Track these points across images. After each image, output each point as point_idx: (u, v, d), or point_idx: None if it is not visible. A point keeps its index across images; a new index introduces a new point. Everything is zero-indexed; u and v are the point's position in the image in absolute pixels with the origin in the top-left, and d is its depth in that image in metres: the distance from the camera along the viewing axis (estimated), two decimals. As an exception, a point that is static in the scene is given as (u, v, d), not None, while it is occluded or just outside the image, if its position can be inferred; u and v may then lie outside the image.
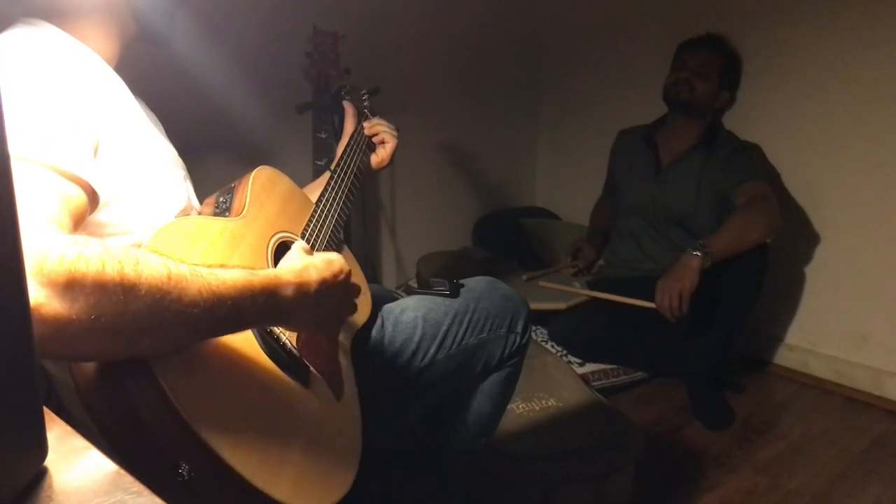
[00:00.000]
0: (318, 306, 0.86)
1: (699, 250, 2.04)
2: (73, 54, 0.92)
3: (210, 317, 0.70)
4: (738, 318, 2.20)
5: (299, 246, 0.92)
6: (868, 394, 2.34)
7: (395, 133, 1.48)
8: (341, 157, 1.37)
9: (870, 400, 2.32)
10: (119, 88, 0.97)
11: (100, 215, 0.85)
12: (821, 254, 2.43)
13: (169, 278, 0.67)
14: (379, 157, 1.46)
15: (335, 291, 0.88)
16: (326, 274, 0.87)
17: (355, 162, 1.37)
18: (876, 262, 2.30)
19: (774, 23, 2.42)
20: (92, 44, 0.97)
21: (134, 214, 0.91)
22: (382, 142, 1.46)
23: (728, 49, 2.43)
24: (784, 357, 2.55)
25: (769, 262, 2.17)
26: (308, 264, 0.86)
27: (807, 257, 2.46)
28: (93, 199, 0.81)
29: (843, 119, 2.31)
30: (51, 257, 0.61)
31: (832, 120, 2.34)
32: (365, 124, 1.45)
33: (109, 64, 0.99)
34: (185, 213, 1.01)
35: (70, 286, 0.60)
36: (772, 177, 2.38)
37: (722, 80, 2.38)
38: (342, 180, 1.31)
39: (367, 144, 1.45)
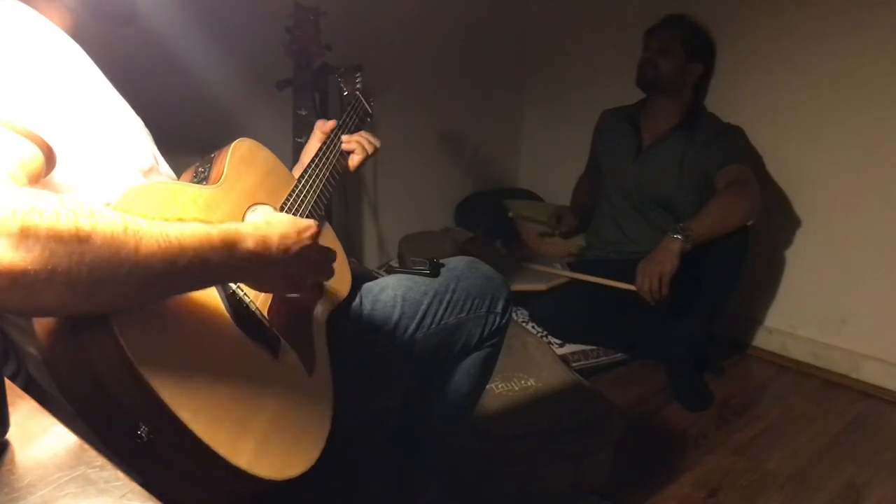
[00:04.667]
0: (281, 263, 0.85)
1: (680, 233, 2.04)
2: (26, 20, 0.91)
3: (171, 269, 0.70)
4: (718, 301, 2.21)
5: (266, 208, 0.92)
6: (845, 376, 2.36)
7: (370, 148, 1.39)
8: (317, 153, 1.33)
9: (847, 382, 2.35)
10: (74, 51, 0.96)
11: (59, 175, 0.83)
12: (801, 237, 2.44)
13: (125, 230, 0.66)
14: (343, 164, 1.37)
15: (300, 248, 0.87)
16: (289, 230, 0.86)
17: (336, 152, 1.34)
18: (856, 247, 2.31)
19: (757, 6, 2.41)
20: (46, 14, 0.95)
21: (94, 172, 0.89)
22: (352, 151, 1.38)
23: (688, 23, 2.43)
24: (763, 340, 2.57)
25: (750, 246, 2.18)
26: (270, 220, 0.86)
27: (787, 241, 2.47)
28: (49, 157, 0.80)
29: (824, 104, 2.32)
30: (2, 210, 0.60)
31: (813, 104, 2.34)
32: (344, 138, 1.38)
33: (67, 32, 0.97)
34: (152, 173, 0.99)
35: (24, 236, 0.60)
36: (753, 160, 2.38)
37: (688, 53, 2.38)
38: (326, 159, 1.30)
39: (342, 153, 1.37)
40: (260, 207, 1.05)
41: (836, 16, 2.24)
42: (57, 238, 0.61)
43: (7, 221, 0.60)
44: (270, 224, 0.85)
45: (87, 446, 0.56)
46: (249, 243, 0.79)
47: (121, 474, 0.53)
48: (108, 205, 0.78)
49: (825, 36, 2.28)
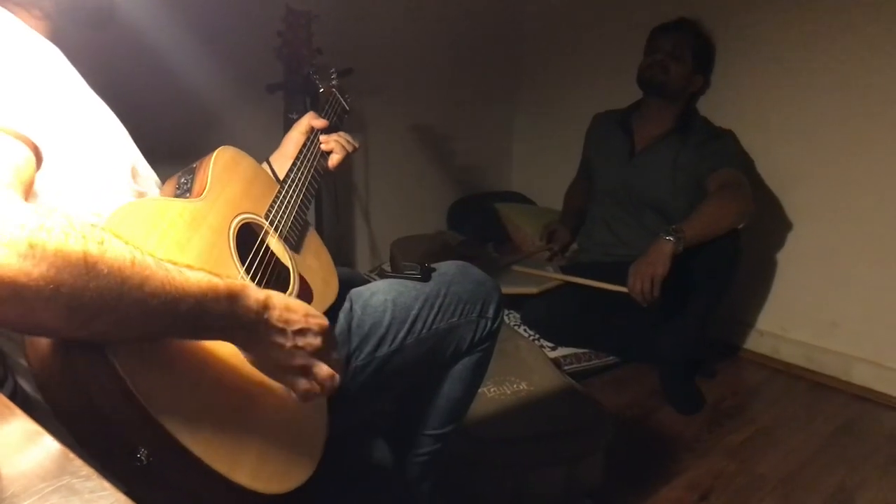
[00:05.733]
0: (279, 336, 0.82)
1: (672, 235, 2.05)
2: (2, 21, 0.90)
3: (170, 311, 0.69)
4: (710, 304, 2.21)
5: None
6: (837, 379, 2.37)
7: (349, 147, 1.42)
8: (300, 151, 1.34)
9: (838, 385, 2.35)
10: (52, 54, 0.95)
11: (41, 178, 0.82)
12: (792, 240, 2.45)
13: (133, 264, 0.66)
14: (323, 165, 1.39)
15: (303, 331, 0.85)
16: (297, 307, 0.85)
17: (316, 153, 1.35)
18: (847, 250, 2.32)
19: (749, 11, 2.42)
20: (23, 18, 0.95)
21: (73, 177, 0.88)
22: (331, 150, 1.40)
23: (700, 32, 2.43)
24: (755, 343, 2.58)
25: (741, 248, 2.18)
26: (281, 294, 0.84)
27: (779, 244, 2.48)
28: (38, 158, 0.79)
29: (815, 107, 2.32)
30: (10, 224, 0.60)
31: (805, 108, 2.35)
32: (322, 138, 1.39)
33: (45, 36, 0.97)
34: (133, 177, 0.98)
35: (32, 251, 0.59)
36: (745, 163, 2.39)
37: (695, 63, 2.38)
38: (307, 161, 1.30)
39: (322, 154, 1.39)
40: (254, 224, 1.05)
41: (828, 19, 2.25)
42: (65, 258, 0.61)
43: (15, 235, 0.59)
44: (280, 295, 0.84)
45: (72, 455, 0.56)
46: (251, 300, 0.78)
47: (107, 484, 0.52)
48: (94, 225, 0.77)
49: (816, 39, 2.29)
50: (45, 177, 0.82)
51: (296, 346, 0.85)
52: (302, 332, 0.85)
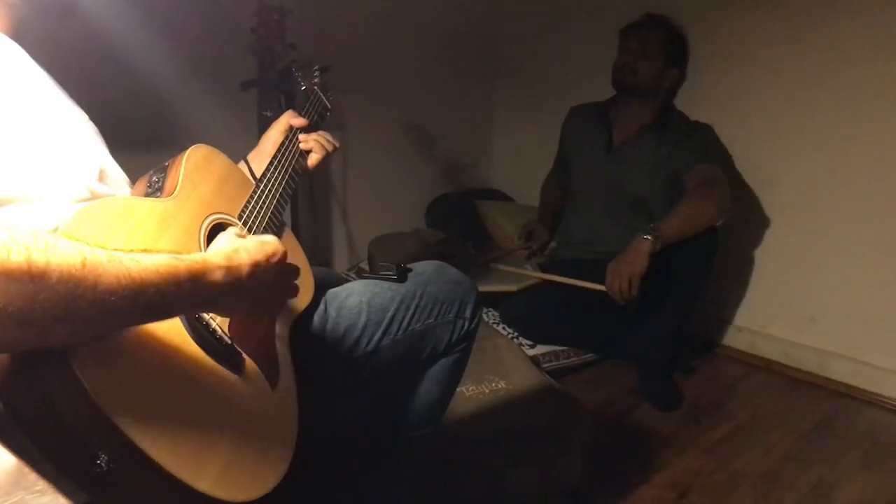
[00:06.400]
0: (251, 291, 0.82)
1: (650, 234, 2.05)
2: None
3: (130, 305, 0.66)
4: (688, 301, 2.21)
5: (231, 230, 0.88)
6: (814, 375, 2.38)
7: (329, 147, 1.40)
8: (279, 148, 1.32)
9: (816, 381, 2.36)
10: (13, 54, 0.92)
11: (3, 187, 0.80)
12: (770, 237, 2.46)
13: (83, 265, 0.63)
14: (301, 165, 1.38)
15: (270, 274, 0.85)
16: (259, 256, 0.83)
17: (295, 153, 1.32)
18: (824, 246, 2.33)
19: (726, 5, 2.42)
20: None
21: (36, 183, 0.85)
22: (310, 150, 1.39)
23: (669, 25, 2.42)
24: (733, 339, 2.59)
25: (718, 245, 2.18)
26: (238, 247, 0.82)
27: (756, 240, 2.48)
28: None
29: (792, 103, 2.33)
30: None
31: (782, 104, 2.35)
32: (301, 137, 1.37)
33: (6, 33, 0.94)
34: (101, 179, 0.96)
35: None
36: (724, 158, 2.38)
37: (667, 58, 2.37)
38: (284, 161, 1.28)
39: (301, 153, 1.37)
40: (226, 225, 1.03)
41: (805, 16, 2.25)
42: (7, 275, 0.58)
43: None
44: (238, 252, 0.81)
45: (26, 469, 0.53)
46: (217, 275, 0.76)
47: (62, 499, 0.50)
48: (56, 229, 0.75)
49: (794, 36, 2.29)
50: (3, 184, 0.79)
51: (266, 293, 0.85)
52: (271, 280, 0.85)
